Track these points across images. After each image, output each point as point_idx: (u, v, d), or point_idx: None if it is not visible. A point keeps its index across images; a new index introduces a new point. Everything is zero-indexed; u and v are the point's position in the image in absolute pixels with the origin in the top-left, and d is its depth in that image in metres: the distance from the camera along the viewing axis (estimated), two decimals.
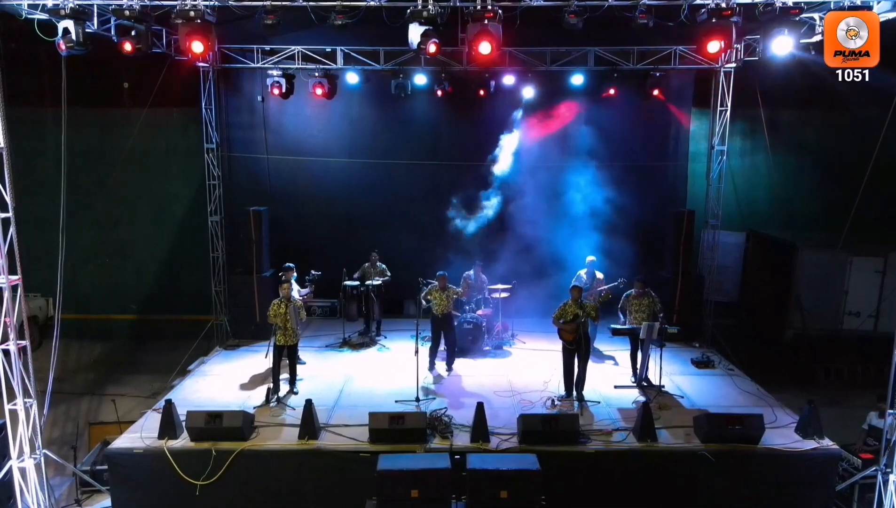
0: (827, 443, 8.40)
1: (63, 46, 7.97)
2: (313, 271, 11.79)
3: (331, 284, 12.95)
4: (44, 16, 8.24)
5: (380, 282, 12.29)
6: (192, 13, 7.75)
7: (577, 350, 9.65)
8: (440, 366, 11.07)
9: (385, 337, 12.65)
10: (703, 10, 7.86)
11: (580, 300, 9.69)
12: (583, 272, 11.62)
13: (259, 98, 13.60)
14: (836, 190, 13.36)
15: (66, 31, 7.84)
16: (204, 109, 12.73)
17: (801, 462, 8.22)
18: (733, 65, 11.87)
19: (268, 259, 12.77)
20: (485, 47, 7.95)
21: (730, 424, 8.32)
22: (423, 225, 13.80)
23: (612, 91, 12.56)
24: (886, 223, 13.07)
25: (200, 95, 12.69)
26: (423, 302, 10.75)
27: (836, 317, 13.27)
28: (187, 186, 14.18)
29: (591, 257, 11.74)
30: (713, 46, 8.46)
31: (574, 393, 9.74)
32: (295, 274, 11.29)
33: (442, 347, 11.14)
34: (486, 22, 7.65)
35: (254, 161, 13.93)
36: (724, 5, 7.63)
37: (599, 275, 11.58)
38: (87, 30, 8.09)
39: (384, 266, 12.48)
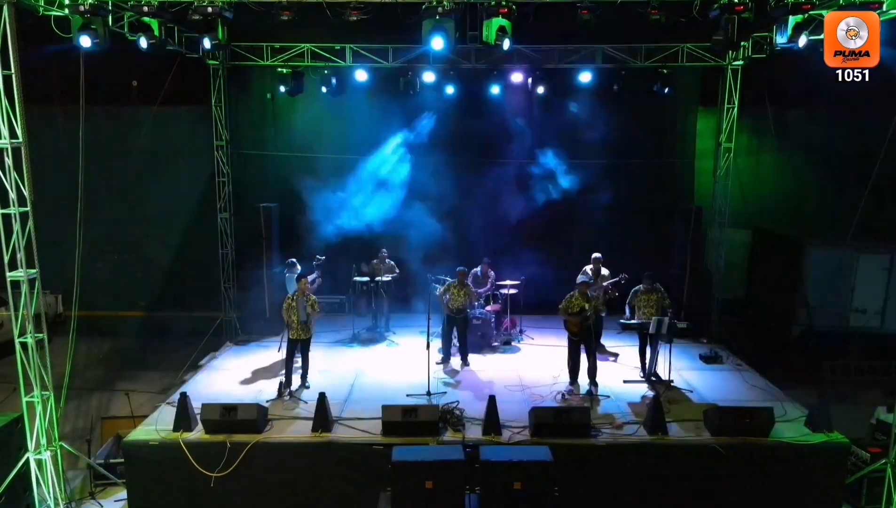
0: (836, 437, 8.45)
1: (86, 42, 8.03)
2: (318, 256, 11.83)
3: (340, 280, 13.05)
4: (61, 12, 8.32)
5: (389, 278, 12.38)
6: (209, 10, 7.82)
7: (583, 342, 9.82)
8: (453, 361, 11.18)
9: (394, 333, 12.73)
10: (714, 6, 7.93)
11: (587, 294, 9.77)
12: (588, 268, 11.68)
13: (268, 95, 13.68)
14: (843, 187, 13.41)
15: (87, 26, 7.89)
16: (214, 107, 12.81)
17: (810, 455, 8.27)
18: (741, 62, 11.94)
19: (277, 256, 12.83)
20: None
21: (740, 417, 8.38)
22: (432, 222, 13.86)
23: None
24: (893, 221, 13.09)
25: (210, 92, 12.76)
26: (442, 299, 10.85)
27: (843, 314, 13.33)
28: (197, 184, 14.22)
29: (596, 254, 11.80)
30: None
31: (580, 382, 9.94)
32: (299, 268, 11.39)
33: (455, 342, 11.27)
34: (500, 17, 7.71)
35: (263, 158, 14.01)
36: (736, 0, 7.71)
37: (604, 271, 11.64)
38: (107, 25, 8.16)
39: (392, 263, 12.58)
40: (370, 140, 14.03)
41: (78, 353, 9.23)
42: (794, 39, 8.55)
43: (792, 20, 8.37)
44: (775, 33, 8.70)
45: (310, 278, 11.18)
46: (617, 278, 11.26)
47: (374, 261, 12.48)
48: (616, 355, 11.54)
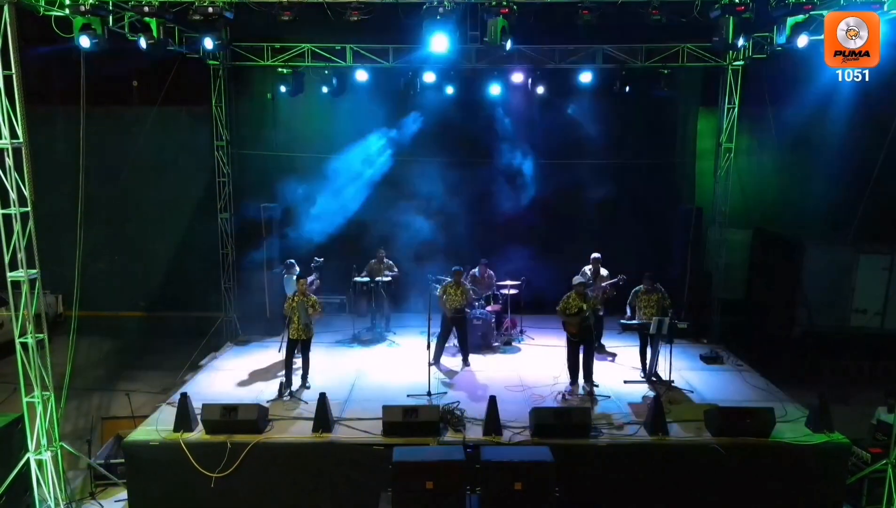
0: (837, 437, 8.45)
1: (87, 42, 8.03)
2: (317, 258, 11.86)
3: (340, 280, 13.06)
4: (61, 12, 8.31)
5: (389, 278, 12.38)
6: (210, 10, 7.81)
7: (582, 342, 9.84)
8: (453, 361, 11.17)
9: (394, 333, 12.73)
10: (716, 6, 7.93)
11: (584, 294, 9.79)
12: (587, 268, 11.68)
13: (268, 95, 13.67)
14: (843, 187, 13.41)
15: (88, 26, 7.89)
16: (214, 107, 12.80)
17: (811, 455, 8.28)
18: (741, 62, 11.94)
19: (278, 256, 12.83)
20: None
21: (741, 417, 8.38)
22: (432, 222, 13.85)
23: None
24: (893, 221, 13.09)
25: (210, 92, 12.75)
26: (441, 299, 10.84)
27: (844, 314, 13.32)
28: (197, 184, 14.21)
29: (595, 254, 11.79)
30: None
31: (580, 382, 9.93)
32: (298, 269, 11.40)
33: (451, 342, 11.25)
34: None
35: (263, 158, 13.99)
36: (737, 0, 7.71)
37: (603, 272, 11.64)
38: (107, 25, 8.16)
39: (391, 263, 12.58)
40: (370, 141, 14.02)
41: (78, 353, 9.23)
42: (794, 39, 8.55)
43: (791, 20, 8.38)
44: (775, 33, 8.70)
45: (309, 279, 11.22)
46: (615, 280, 11.28)
47: (373, 261, 12.48)
48: (614, 355, 11.55)
